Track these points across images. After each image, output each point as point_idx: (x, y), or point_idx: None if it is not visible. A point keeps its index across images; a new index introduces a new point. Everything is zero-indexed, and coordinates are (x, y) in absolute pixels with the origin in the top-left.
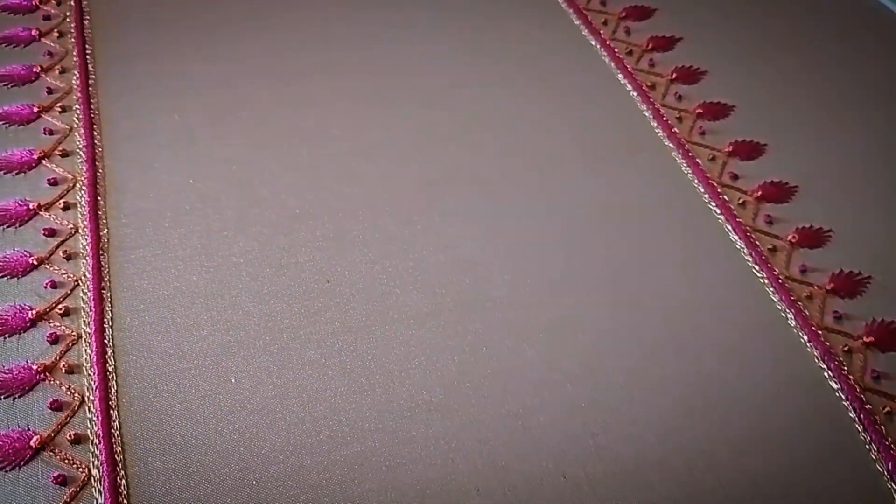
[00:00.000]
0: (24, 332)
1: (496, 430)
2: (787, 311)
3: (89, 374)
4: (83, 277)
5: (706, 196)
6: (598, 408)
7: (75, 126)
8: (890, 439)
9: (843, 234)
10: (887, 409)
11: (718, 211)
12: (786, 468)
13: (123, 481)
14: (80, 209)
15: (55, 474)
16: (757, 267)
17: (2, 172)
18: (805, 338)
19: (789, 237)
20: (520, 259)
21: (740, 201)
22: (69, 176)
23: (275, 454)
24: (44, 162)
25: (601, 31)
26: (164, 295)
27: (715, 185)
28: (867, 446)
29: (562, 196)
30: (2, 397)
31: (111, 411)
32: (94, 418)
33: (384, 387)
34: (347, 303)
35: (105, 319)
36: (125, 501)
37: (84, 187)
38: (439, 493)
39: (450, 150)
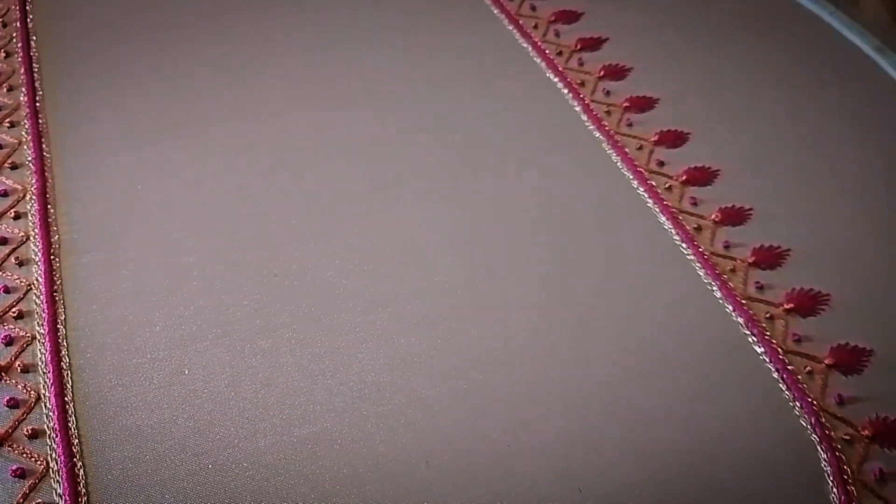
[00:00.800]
0: None
1: (443, 405)
2: (713, 283)
3: (44, 372)
4: (35, 281)
5: (635, 182)
6: (541, 381)
7: (24, 139)
8: (811, 396)
9: (763, 212)
10: (808, 368)
11: (647, 195)
12: (716, 425)
13: (81, 471)
14: (30, 217)
15: (14, 468)
16: (684, 245)
17: None
18: (730, 307)
19: (713, 216)
20: (461, 247)
21: (667, 185)
22: (19, 187)
23: (229, 439)
24: None
25: (532, 34)
26: (116, 294)
27: (643, 171)
28: (791, 403)
29: (499, 188)
30: None
31: (67, 406)
32: (51, 413)
33: (334, 371)
34: (296, 295)
35: (58, 320)
36: (84, 490)
37: (34, 197)
38: (391, 467)
39: (391, 150)
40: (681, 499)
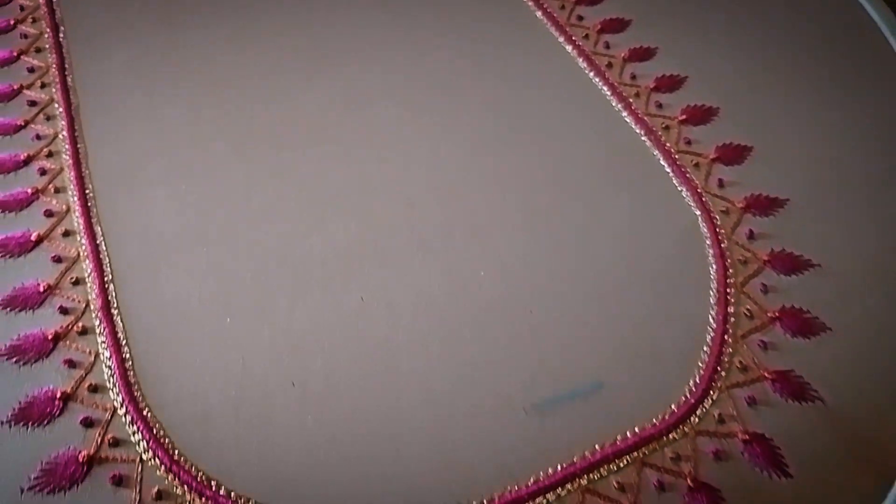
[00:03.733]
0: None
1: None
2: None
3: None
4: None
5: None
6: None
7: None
8: (696, 182)
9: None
10: (695, 162)
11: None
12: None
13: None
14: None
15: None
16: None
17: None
18: (631, 119)
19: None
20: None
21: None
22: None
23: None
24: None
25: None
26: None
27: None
28: (678, 188)
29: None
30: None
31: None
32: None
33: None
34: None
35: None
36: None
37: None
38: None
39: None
40: (593, 268)
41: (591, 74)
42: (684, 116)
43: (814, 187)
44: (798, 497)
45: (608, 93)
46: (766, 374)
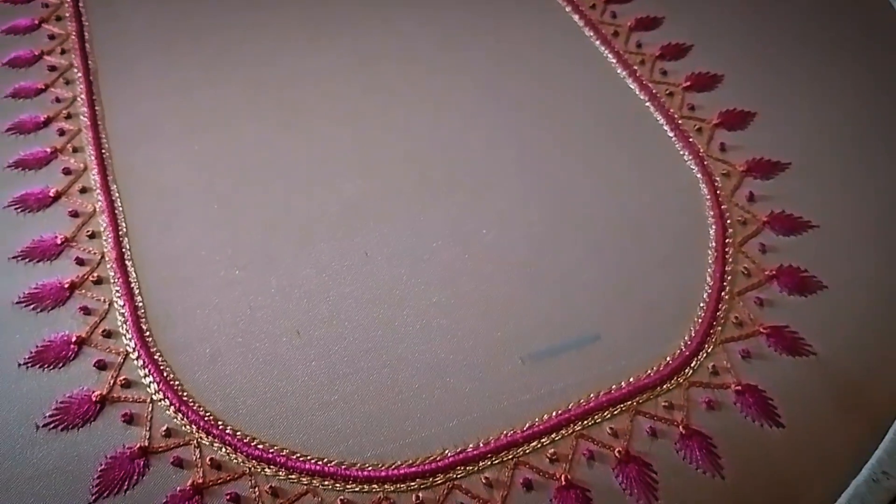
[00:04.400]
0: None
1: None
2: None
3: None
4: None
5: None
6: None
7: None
8: (698, 145)
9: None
10: (698, 126)
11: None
12: (626, 177)
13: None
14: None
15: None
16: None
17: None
18: (635, 86)
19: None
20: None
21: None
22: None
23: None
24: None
25: None
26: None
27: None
28: (680, 153)
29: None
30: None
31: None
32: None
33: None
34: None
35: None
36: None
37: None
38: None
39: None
40: (592, 225)
41: (598, 42)
42: (689, 83)
43: (815, 151)
44: (790, 446)
45: (613, 60)
46: (762, 329)
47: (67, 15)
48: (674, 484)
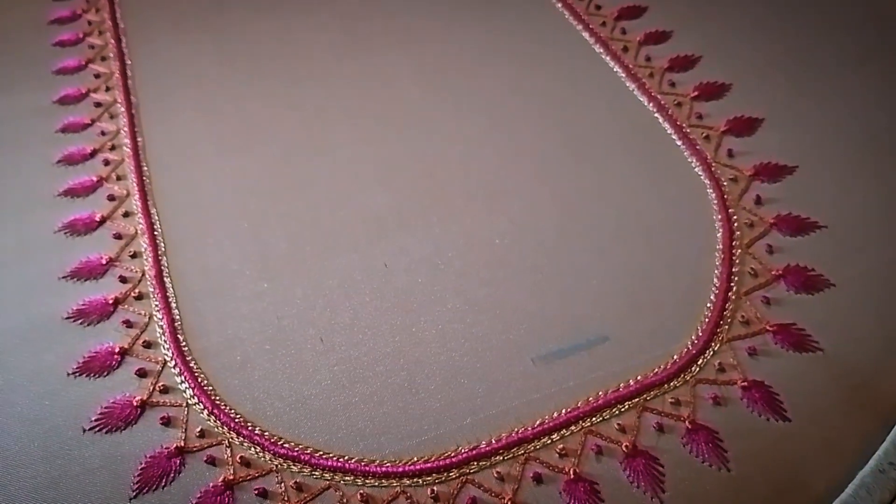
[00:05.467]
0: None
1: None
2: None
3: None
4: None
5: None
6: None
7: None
8: (706, 153)
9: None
10: (705, 134)
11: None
12: (632, 183)
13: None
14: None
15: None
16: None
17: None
18: (644, 99)
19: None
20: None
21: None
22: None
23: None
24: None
25: None
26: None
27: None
28: (688, 160)
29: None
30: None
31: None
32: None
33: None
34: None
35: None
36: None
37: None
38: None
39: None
40: (601, 231)
41: (608, 58)
42: (696, 93)
43: (822, 153)
44: (796, 439)
45: (622, 74)
46: (768, 327)
47: (112, 55)
48: (680, 476)
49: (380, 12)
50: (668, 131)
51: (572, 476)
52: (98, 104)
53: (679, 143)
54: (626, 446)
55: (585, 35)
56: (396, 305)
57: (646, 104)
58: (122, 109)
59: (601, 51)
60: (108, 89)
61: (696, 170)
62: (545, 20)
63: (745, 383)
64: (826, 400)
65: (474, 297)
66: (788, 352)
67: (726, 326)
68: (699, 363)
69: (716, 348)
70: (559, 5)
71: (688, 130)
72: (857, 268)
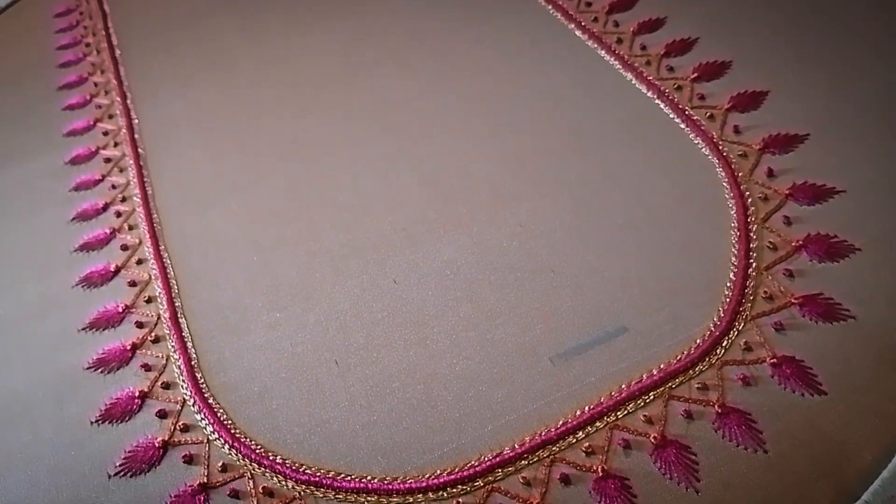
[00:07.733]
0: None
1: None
2: (630, 74)
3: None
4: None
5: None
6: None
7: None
8: (712, 132)
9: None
10: (709, 114)
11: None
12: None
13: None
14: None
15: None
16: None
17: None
18: (643, 86)
19: (689, 77)
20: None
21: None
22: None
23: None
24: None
25: None
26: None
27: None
28: (692, 139)
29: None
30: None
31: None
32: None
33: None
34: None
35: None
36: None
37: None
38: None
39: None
40: (611, 222)
41: (602, 52)
42: (696, 74)
43: (834, 117)
44: (834, 413)
45: (618, 66)
46: (793, 300)
47: (118, 112)
48: (714, 463)
49: (373, 42)
50: (671, 115)
51: (601, 474)
52: (108, 160)
53: (683, 125)
54: (655, 437)
55: (578, 33)
56: (409, 320)
57: (645, 92)
58: (131, 162)
59: (595, 46)
60: (116, 144)
61: (703, 150)
62: (536, 23)
63: (775, 360)
64: (862, 367)
65: (487, 304)
66: (817, 323)
67: (749, 304)
68: (724, 345)
69: (740, 327)
70: (549, 7)
71: (690, 112)
72: (881, 228)
